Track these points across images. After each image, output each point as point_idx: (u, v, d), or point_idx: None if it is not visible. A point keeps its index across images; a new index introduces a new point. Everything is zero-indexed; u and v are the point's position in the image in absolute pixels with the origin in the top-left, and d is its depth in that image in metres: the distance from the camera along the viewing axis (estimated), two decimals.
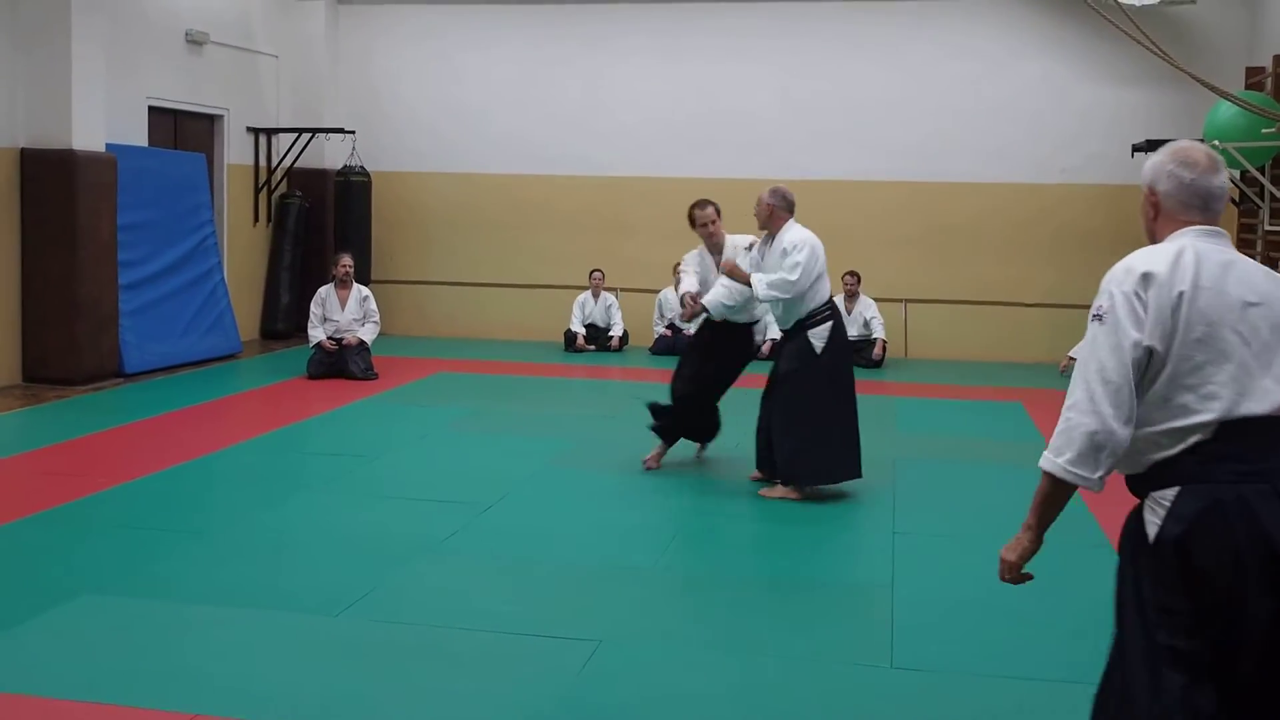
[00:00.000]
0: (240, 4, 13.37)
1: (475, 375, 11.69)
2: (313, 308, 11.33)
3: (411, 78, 14.58)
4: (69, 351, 10.22)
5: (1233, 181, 11.91)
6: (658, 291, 13.67)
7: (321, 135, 13.89)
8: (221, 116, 13.22)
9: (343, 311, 11.30)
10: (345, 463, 7.76)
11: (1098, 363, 2.66)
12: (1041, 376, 12.17)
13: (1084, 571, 5.70)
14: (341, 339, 11.17)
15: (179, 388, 10.47)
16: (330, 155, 14.28)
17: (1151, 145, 12.01)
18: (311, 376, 11.00)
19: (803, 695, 4.22)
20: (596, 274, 13.66)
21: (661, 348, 13.25)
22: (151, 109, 11.99)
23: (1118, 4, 8.67)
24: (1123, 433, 2.64)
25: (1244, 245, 12.37)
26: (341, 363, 11.04)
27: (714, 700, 4.19)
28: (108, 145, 10.68)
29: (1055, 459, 2.72)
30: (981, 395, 10.93)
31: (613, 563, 5.74)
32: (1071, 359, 12.11)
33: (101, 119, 10.59)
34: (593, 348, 13.44)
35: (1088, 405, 2.65)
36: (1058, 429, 2.74)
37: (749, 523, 6.61)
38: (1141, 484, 2.73)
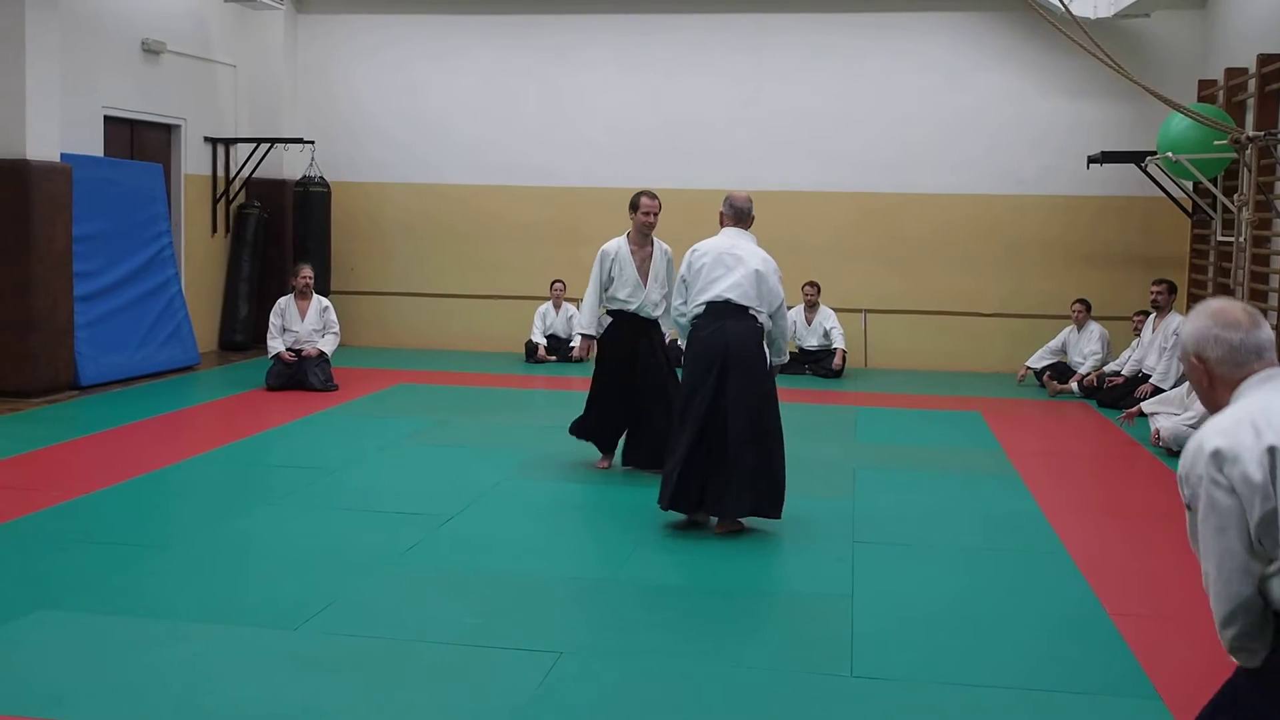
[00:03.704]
0: (197, 13, 13.28)
1: (436, 387, 11.65)
2: (272, 318, 11.26)
3: (371, 88, 14.53)
4: (23, 364, 10.11)
5: (1186, 193, 12.09)
6: None
7: (280, 145, 13.83)
8: (179, 126, 13.12)
9: (302, 322, 11.24)
10: (305, 475, 7.71)
11: None
12: (999, 386, 12.29)
13: (1041, 581, 5.77)
14: (301, 350, 11.10)
15: (136, 400, 10.37)
16: (289, 165, 14.21)
17: (1107, 157, 12.15)
18: (271, 388, 10.94)
19: (763, 705, 4.24)
20: (558, 284, 13.65)
21: None
22: (108, 119, 11.89)
23: (1073, 17, 8.77)
24: None
25: (1197, 256, 12.56)
26: (301, 374, 10.97)
27: (675, 711, 4.20)
28: (63, 155, 10.57)
29: None
30: (940, 405, 11.01)
31: (573, 574, 5.74)
32: (1029, 369, 12.28)
33: (57, 129, 10.49)
34: (554, 359, 13.42)
35: None
36: None
37: (709, 533, 6.62)
38: None
